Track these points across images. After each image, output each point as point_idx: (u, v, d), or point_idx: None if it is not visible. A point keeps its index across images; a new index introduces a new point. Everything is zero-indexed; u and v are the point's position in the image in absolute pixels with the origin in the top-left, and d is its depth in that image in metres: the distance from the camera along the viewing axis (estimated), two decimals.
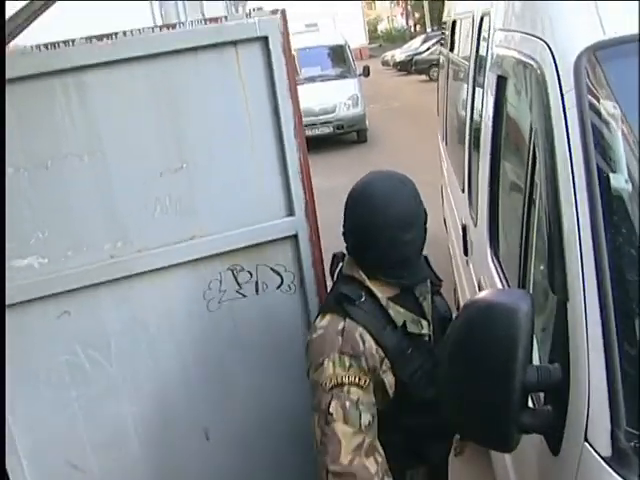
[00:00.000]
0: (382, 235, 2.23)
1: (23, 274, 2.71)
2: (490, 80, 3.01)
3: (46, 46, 2.57)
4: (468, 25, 4.37)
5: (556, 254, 1.76)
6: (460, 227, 4.25)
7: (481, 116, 3.33)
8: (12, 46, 2.70)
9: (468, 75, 4.10)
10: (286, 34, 2.78)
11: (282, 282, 2.99)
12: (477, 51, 3.80)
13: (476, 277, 3.49)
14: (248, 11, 2.77)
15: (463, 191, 4.25)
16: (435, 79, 28.22)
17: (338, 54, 17.50)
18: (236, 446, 3.15)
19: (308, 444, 3.20)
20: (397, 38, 57.27)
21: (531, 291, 2.19)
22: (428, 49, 32.52)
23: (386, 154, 13.97)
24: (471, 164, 3.87)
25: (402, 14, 69.45)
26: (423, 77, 30.30)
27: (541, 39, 2.05)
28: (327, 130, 15.99)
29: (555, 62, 1.89)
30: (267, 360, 3.09)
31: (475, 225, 3.50)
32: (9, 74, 2.51)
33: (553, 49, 1.93)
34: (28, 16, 2.65)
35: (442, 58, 7.38)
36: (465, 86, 4.31)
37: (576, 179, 1.72)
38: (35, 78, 2.58)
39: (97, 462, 3.01)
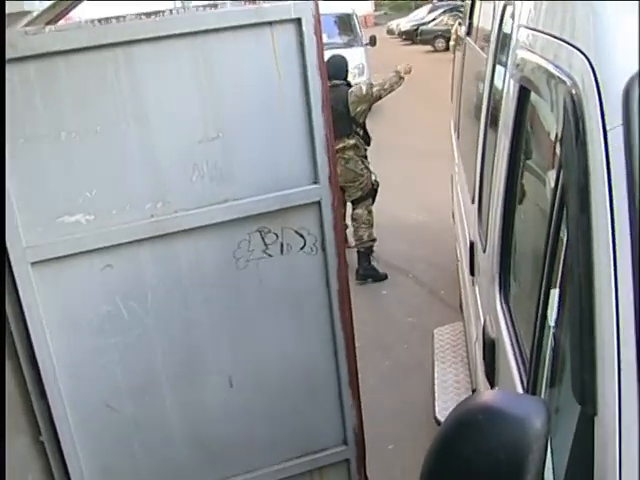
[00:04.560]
0: None
1: (71, 229, 2.98)
2: (511, 88, 2.49)
3: (99, 21, 2.81)
4: (489, 11, 3.68)
5: (583, 348, 1.35)
6: (468, 241, 3.77)
7: (497, 128, 2.83)
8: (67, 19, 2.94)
9: (485, 75, 3.52)
10: (317, 16, 3.02)
11: (305, 244, 3.25)
12: (496, 50, 3.26)
13: (482, 311, 3.02)
14: None
15: (473, 202, 3.69)
16: (440, 50, 28.36)
17: (345, 23, 17.62)
18: (257, 392, 3.44)
19: (318, 393, 3.54)
20: (403, 6, 56.88)
21: (546, 373, 1.75)
22: (434, 19, 32.54)
23: (390, 122, 14.18)
24: (483, 178, 3.32)
25: None
26: (428, 47, 30.34)
27: (578, 49, 1.56)
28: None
29: (597, 85, 1.42)
30: (288, 315, 3.37)
31: (484, 251, 3.01)
32: (65, 46, 2.76)
33: (595, 66, 1.45)
34: None
35: (457, 35, 7.00)
36: (481, 83, 3.71)
37: (619, 255, 1.30)
38: (88, 50, 2.82)
39: (131, 404, 3.30)
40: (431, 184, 9.20)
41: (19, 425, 3.21)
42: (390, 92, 7.30)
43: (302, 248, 3.26)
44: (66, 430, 3.19)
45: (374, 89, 7.15)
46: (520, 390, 1.93)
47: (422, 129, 12.66)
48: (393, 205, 8.70)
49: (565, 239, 1.57)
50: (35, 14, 3.16)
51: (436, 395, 4.12)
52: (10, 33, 2.75)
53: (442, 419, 3.85)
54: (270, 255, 3.24)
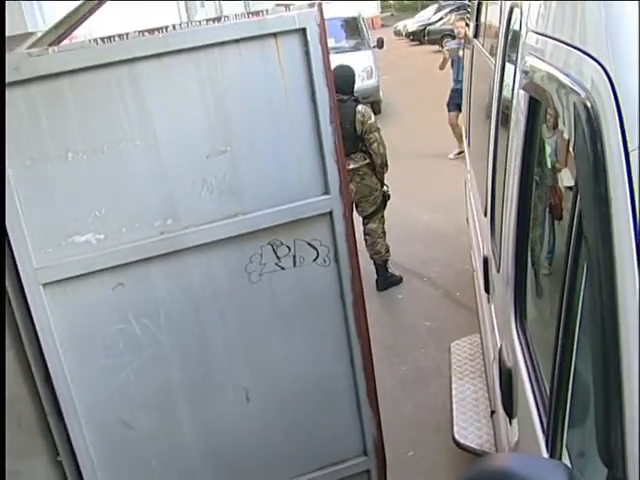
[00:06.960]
0: None
1: (82, 249, 2.96)
2: (521, 100, 2.31)
3: (102, 39, 2.79)
4: (495, 12, 3.51)
5: (610, 402, 1.18)
6: (482, 255, 3.59)
7: (507, 138, 2.63)
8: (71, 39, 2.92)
9: (494, 82, 3.33)
10: (322, 25, 2.99)
11: (318, 255, 3.22)
12: (504, 56, 3.07)
13: (498, 334, 2.84)
14: (285, 6, 2.98)
15: (485, 215, 3.51)
16: None
17: (352, 26, 17.56)
18: (273, 406, 3.42)
19: (336, 404, 3.50)
20: (409, 7, 56.96)
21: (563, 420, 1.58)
22: (441, 19, 32.43)
23: (400, 125, 14.17)
24: (495, 191, 3.15)
25: None
26: (436, 47, 30.22)
27: (594, 59, 1.37)
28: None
29: (617, 100, 1.24)
30: (303, 328, 3.34)
31: (498, 270, 2.80)
32: (69, 66, 2.75)
33: (614, 79, 1.27)
34: (85, 13, 2.87)
35: (466, 34, 6.86)
36: (490, 86, 3.51)
37: None
38: (92, 70, 2.80)
39: (147, 421, 3.28)
40: (443, 185, 9.16)
41: (36, 446, 3.20)
42: (380, 156, 6.89)
43: (315, 260, 3.23)
44: (83, 449, 3.19)
45: (376, 134, 6.82)
46: (539, 429, 1.81)
47: (432, 129, 12.60)
48: (406, 206, 8.67)
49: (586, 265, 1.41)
50: (39, 35, 3.15)
51: (454, 414, 4.00)
52: (14, 55, 2.74)
53: (461, 440, 3.76)
54: (283, 268, 3.21)
